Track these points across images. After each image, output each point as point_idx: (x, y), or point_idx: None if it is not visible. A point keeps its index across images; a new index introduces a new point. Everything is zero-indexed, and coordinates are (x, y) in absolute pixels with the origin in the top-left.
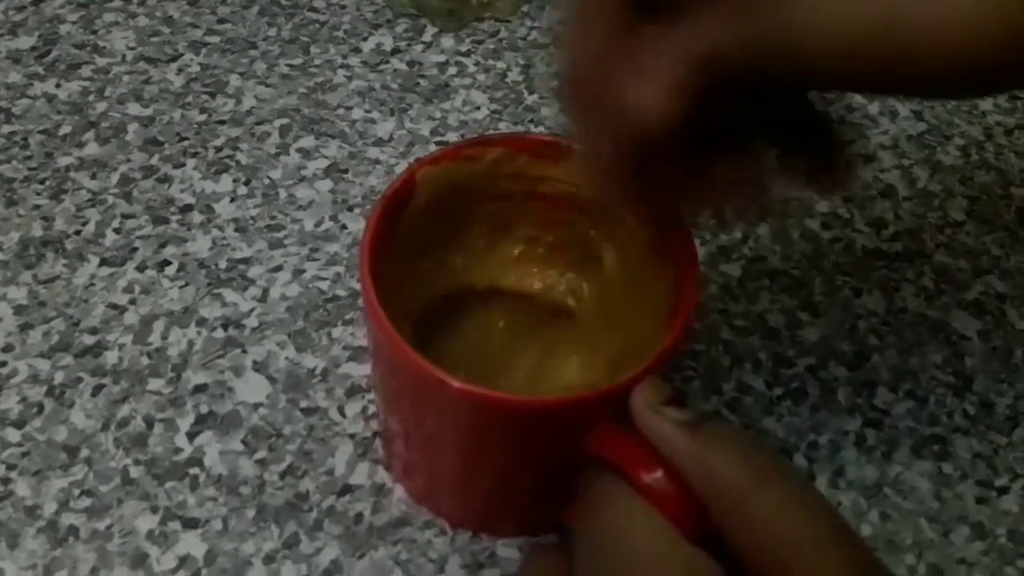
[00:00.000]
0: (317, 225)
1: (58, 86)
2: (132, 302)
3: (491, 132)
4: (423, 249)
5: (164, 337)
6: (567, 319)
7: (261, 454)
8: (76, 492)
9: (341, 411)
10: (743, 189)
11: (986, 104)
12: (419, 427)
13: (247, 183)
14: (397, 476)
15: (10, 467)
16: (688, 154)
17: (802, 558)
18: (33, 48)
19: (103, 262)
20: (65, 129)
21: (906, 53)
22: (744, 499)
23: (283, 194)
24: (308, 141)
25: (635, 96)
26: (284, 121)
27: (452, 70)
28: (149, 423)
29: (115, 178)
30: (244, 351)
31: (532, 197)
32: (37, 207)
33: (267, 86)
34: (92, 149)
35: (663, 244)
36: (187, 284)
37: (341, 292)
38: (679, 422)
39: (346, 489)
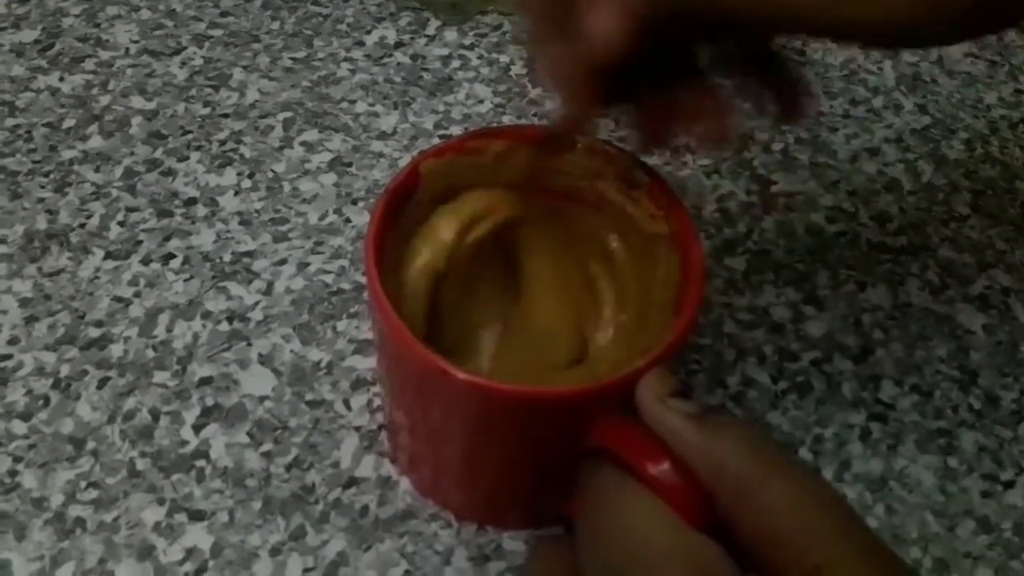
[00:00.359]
0: (321, 218)
1: (62, 79)
2: (137, 295)
3: (495, 124)
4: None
5: (169, 330)
6: (573, 306)
7: (267, 447)
8: (83, 484)
9: (346, 404)
10: (704, 115)
11: (991, 98)
12: (425, 419)
13: (251, 176)
14: (403, 468)
15: (17, 459)
16: (648, 81)
17: (811, 548)
18: (36, 41)
19: (108, 255)
20: (69, 122)
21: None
22: (752, 490)
23: (287, 187)
24: (312, 135)
25: (594, 21)
26: (288, 115)
27: (455, 63)
28: (155, 416)
29: (119, 171)
30: (249, 344)
31: (536, 189)
32: (41, 200)
33: (271, 79)
34: (96, 142)
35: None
36: (192, 277)
37: (346, 285)
38: (686, 414)
39: (352, 482)
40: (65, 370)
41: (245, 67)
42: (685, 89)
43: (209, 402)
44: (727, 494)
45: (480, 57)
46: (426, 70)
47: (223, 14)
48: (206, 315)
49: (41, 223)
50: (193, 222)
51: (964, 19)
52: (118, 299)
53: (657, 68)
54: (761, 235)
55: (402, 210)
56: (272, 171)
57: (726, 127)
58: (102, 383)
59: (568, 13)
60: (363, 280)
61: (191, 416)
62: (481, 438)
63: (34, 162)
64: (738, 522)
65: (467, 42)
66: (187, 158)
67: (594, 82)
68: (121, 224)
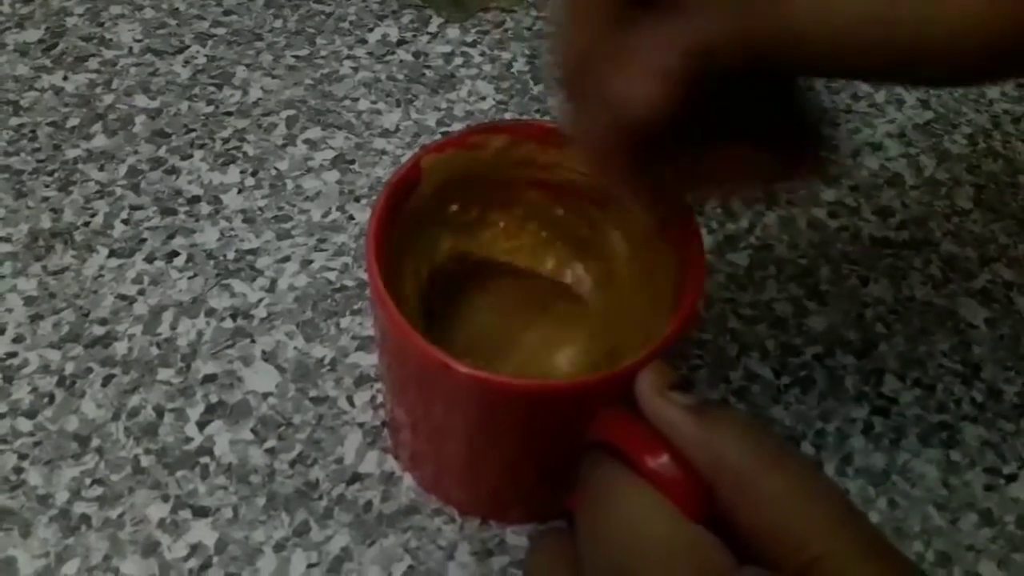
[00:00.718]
0: (324, 216)
1: (65, 78)
2: (141, 293)
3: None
4: (429, 237)
5: (173, 327)
6: (573, 305)
7: (271, 443)
8: (87, 481)
9: (350, 400)
10: (730, 179)
11: (993, 92)
12: (426, 415)
13: (254, 174)
14: (405, 466)
15: (22, 456)
16: (679, 144)
17: (810, 540)
18: (40, 41)
19: (112, 253)
20: (73, 121)
21: (907, 39)
22: (751, 482)
23: (290, 185)
24: (315, 132)
25: (627, 85)
26: (291, 112)
27: (458, 61)
28: (159, 413)
29: (123, 170)
30: (253, 341)
31: (538, 184)
32: (46, 199)
33: (273, 77)
34: (100, 141)
35: (666, 230)
36: (196, 275)
37: (349, 282)
38: (685, 406)
39: (355, 477)
40: (70, 368)
41: (248, 65)
42: (709, 150)
43: (213, 399)
44: (726, 486)
45: (482, 54)
46: (428, 67)
47: (226, 13)
48: (210, 312)
49: (45, 221)
50: (197, 220)
51: None
52: (122, 297)
53: (686, 129)
54: (763, 230)
55: (404, 205)
56: (275, 169)
57: (755, 189)
58: (107, 380)
59: (600, 66)
60: (366, 277)
61: (195, 413)
62: (482, 432)
63: (38, 161)
64: (737, 514)
65: (469, 39)
66: (191, 156)
67: (625, 153)
68: (125, 222)
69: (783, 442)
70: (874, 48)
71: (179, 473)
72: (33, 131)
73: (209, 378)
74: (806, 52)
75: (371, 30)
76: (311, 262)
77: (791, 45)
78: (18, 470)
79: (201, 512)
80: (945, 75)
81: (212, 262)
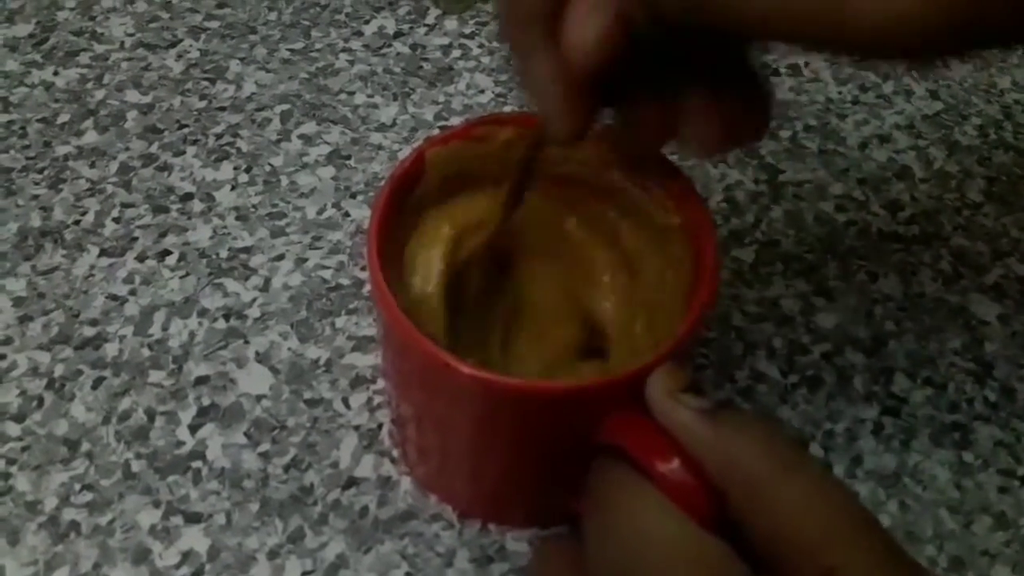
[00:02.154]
0: (319, 213)
1: (56, 74)
2: (132, 293)
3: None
4: (432, 232)
5: (165, 328)
6: (583, 301)
7: (264, 447)
8: (77, 487)
9: (345, 402)
10: (664, 130)
11: (1004, 82)
12: (430, 413)
13: (248, 170)
14: (409, 462)
15: (10, 462)
16: (638, 87)
17: (825, 549)
18: (31, 35)
19: (103, 252)
20: (63, 117)
21: (841, 15)
22: (766, 488)
23: (285, 181)
24: (310, 127)
25: (576, 23)
26: (285, 107)
27: (456, 53)
28: (150, 416)
29: (114, 167)
30: (246, 342)
31: (545, 178)
32: (36, 197)
33: (268, 71)
34: (91, 137)
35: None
36: (188, 274)
37: (344, 281)
38: (697, 410)
39: (351, 482)
40: (59, 370)
41: (242, 59)
42: (677, 96)
43: (206, 402)
44: (739, 493)
45: (481, 46)
46: (426, 60)
47: (219, 5)
48: (202, 313)
49: (35, 220)
50: (189, 218)
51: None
52: (113, 297)
53: (646, 73)
54: (769, 225)
55: (406, 199)
56: (269, 165)
57: (724, 133)
58: (97, 383)
59: (547, 21)
60: (362, 275)
61: (187, 416)
62: (487, 432)
63: (28, 158)
64: (750, 521)
65: (467, 31)
66: (183, 152)
67: (579, 94)
68: (116, 220)
69: (798, 446)
70: (807, 15)
71: (171, 478)
72: (23, 128)
73: (201, 380)
74: (736, 13)
75: (367, 22)
76: (306, 260)
77: (720, 7)
78: (6, 476)
79: (193, 518)
80: (871, 51)
81: (205, 261)
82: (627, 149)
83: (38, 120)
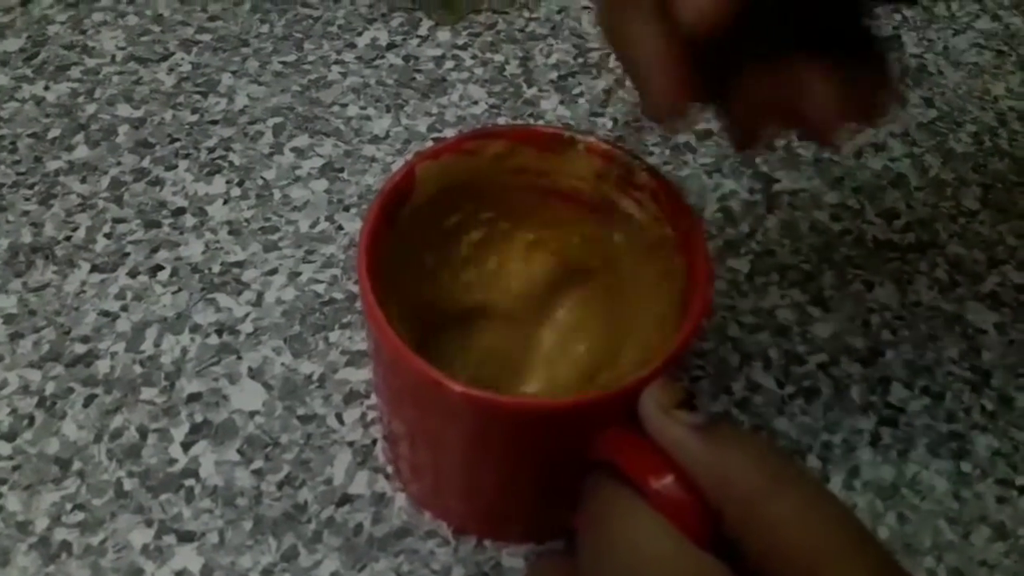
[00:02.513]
0: (312, 226)
1: (47, 88)
2: (124, 309)
3: (491, 125)
4: (423, 247)
5: (157, 344)
6: (576, 314)
7: (258, 464)
8: (68, 506)
9: (339, 418)
10: (779, 108)
11: (999, 89)
12: (423, 428)
13: (240, 184)
14: (403, 479)
15: (1, 481)
16: (745, 60)
17: (822, 565)
18: (21, 50)
19: (94, 268)
20: (54, 132)
21: None
22: (760, 505)
23: (277, 195)
24: (302, 140)
25: None
26: (278, 120)
27: (449, 64)
28: (143, 434)
29: (106, 182)
30: (239, 357)
31: (537, 192)
32: (26, 213)
33: (260, 84)
34: (82, 152)
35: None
36: (180, 289)
37: (338, 295)
38: (691, 425)
39: (345, 499)
40: (50, 388)
41: (234, 72)
42: (784, 74)
43: (198, 418)
44: (733, 509)
45: (474, 57)
46: (419, 71)
47: (211, 18)
48: (195, 328)
49: (26, 236)
50: (181, 232)
51: None
52: (105, 313)
53: (758, 49)
54: (765, 235)
55: (396, 214)
56: (262, 178)
57: (814, 122)
58: (88, 401)
59: None
60: (356, 289)
61: (180, 433)
62: (479, 449)
63: (18, 174)
64: (745, 539)
65: (460, 42)
66: (175, 167)
67: (684, 69)
68: (108, 236)
69: (792, 461)
70: None
71: (163, 496)
72: (13, 143)
73: (194, 397)
74: None
75: (360, 34)
76: (299, 274)
77: None
78: None
79: (186, 537)
80: None
81: (197, 276)
82: (737, 139)
83: (29, 135)
